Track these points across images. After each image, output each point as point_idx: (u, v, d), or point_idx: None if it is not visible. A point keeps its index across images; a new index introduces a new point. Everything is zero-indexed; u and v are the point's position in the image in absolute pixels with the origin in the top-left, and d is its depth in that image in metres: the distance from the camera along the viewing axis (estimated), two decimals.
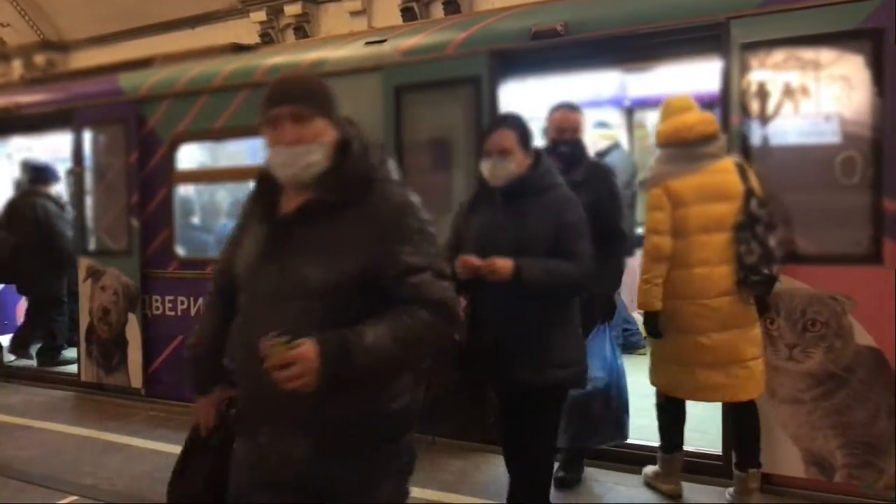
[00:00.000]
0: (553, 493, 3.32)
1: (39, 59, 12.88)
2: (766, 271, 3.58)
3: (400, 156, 5.11)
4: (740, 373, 3.67)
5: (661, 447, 4.09)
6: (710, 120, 3.80)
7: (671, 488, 3.99)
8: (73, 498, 4.25)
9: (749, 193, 3.65)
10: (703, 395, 3.80)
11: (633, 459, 4.42)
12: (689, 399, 3.95)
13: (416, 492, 4.07)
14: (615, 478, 4.24)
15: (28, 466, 4.84)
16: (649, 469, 4.19)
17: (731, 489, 3.90)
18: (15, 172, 7.93)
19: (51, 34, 12.79)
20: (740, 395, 3.73)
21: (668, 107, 3.95)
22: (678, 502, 3.90)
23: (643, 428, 4.86)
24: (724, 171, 3.73)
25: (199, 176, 6.82)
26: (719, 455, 4.18)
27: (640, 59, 4.89)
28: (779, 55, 3.96)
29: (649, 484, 4.12)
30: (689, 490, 4.04)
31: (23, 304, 7.92)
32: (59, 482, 4.49)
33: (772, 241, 3.61)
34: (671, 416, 4.06)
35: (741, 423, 3.87)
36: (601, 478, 4.24)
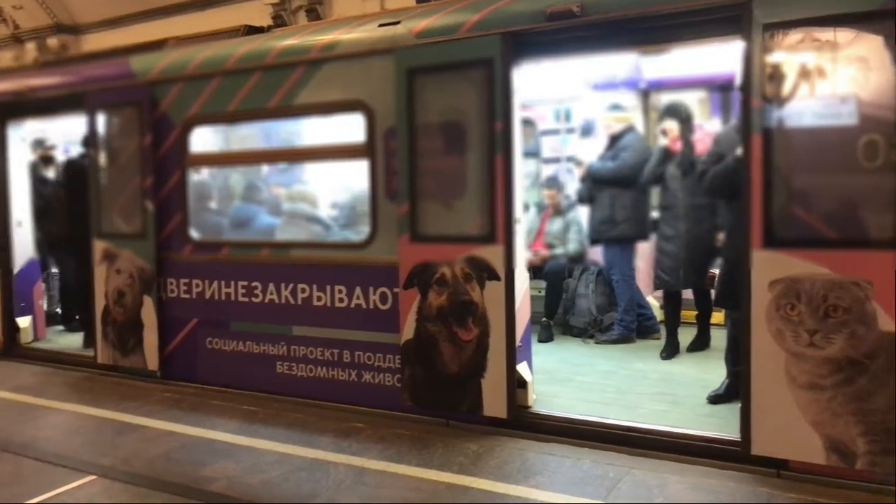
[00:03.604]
0: None
1: (52, 41, 12.91)
2: None
3: (412, 139, 5.09)
4: None
5: None
6: None
7: None
8: (92, 477, 4.29)
9: None
10: None
11: (646, 444, 4.41)
12: None
13: (431, 474, 4.14)
14: (631, 462, 4.22)
15: (47, 446, 4.89)
16: None
17: None
18: (28, 154, 7.95)
19: (64, 17, 12.80)
20: None
21: None
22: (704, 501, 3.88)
23: (660, 413, 4.87)
24: None
25: (213, 159, 6.82)
26: (737, 441, 4.16)
27: (657, 41, 4.80)
28: (802, 36, 3.89)
29: None
30: (706, 475, 4.03)
31: (40, 286, 7.97)
32: (77, 462, 4.54)
33: None
34: None
35: None
36: (618, 462, 4.23)
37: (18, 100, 7.45)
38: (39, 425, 5.37)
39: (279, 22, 10.23)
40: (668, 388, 5.42)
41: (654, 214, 7.03)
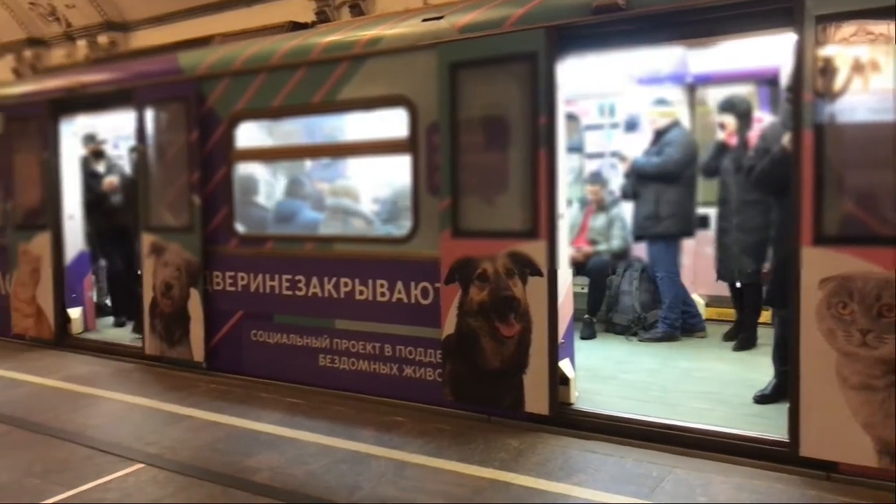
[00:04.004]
0: None
1: (103, 39, 13.18)
2: None
3: (455, 134, 5.08)
4: None
5: None
6: None
7: None
8: (139, 465, 4.39)
9: None
10: None
11: (690, 443, 4.35)
12: None
13: (472, 469, 4.14)
14: (674, 461, 4.17)
15: (97, 434, 5.01)
16: None
17: None
18: (80, 149, 8.14)
19: (113, 15, 13.06)
20: None
21: None
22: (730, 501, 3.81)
23: (704, 412, 4.80)
24: None
25: (258, 154, 6.91)
26: (785, 441, 4.07)
27: (705, 34, 4.70)
28: (855, 28, 3.78)
29: None
30: (752, 476, 3.96)
31: (90, 278, 8.17)
32: (125, 450, 4.64)
33: None
34: None
35: None
36: (661, 461, 4.18)
37: (70, 96, 7.64)
38: (89, 414, 5.50)
39: (323, 18, 10.30)
40: (712, 387, 5.33)
41: (701, 211, 6.94)
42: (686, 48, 6.59)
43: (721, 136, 6.33)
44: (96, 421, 5.36)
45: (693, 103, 7.77)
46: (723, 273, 6.42)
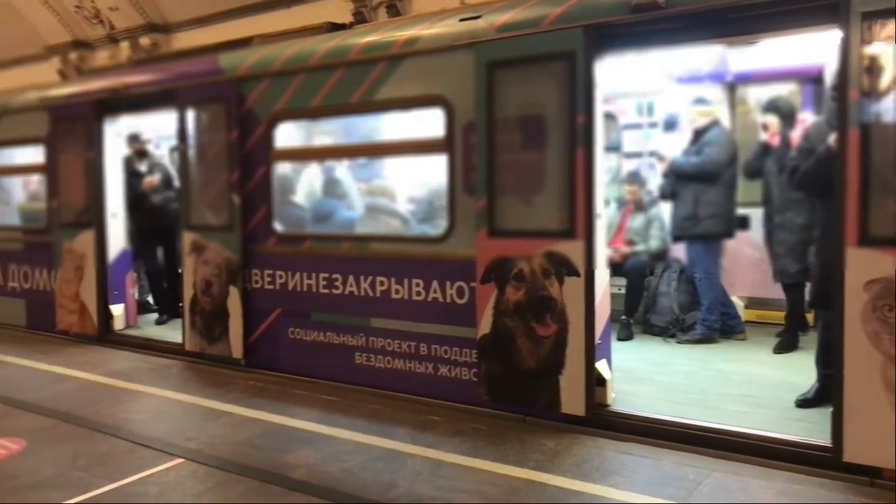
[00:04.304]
0: None
1: (145, 40, 13.40)
2: None
3: (491, 133, 5.08)
4: None
5: None
6: None
7: None
8: (180, 460, 4.46)
9: None
10: None
11: (729, 446, 4.29)
12: None
13: (508, 469, 4.14)
14: (712, 464, 4.12)
15: (138, 429, 5.11)
16: None
17: None
18: (123, 148, 8.29)
19: (155, 17, 13.28)
20: None
21: None
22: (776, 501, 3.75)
23: (744, 415, 4.73)
24: None
25: (296, 154, 6.98)
26: (828, 447, 4.00)
27: (747, 32, 4.62)
28: None
29: None
30: (793, 481, 3.89)
31: (132, 275, 8.32)
32: (166, 445, 4.72)
33: None
34: None
35: None
36: (699, 464, 4.13)
37: (114, 97, 7.79)
38: (130, 409, 5.61)
39: (360, 18, 10.36)
40: (752, 390, 5.25)
41: (742, 211, 6.85)
42: (727, 46, 6.49)
43: (764, 136, 6.30)
44: (138, 416, 5.47)
45: (733, 102, 7.66)
46: (776, 273, 6.36)
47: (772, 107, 6.30)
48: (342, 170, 7.61)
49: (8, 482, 4.21)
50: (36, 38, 14.86)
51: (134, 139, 8.45)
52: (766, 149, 6.30)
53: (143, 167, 8.54)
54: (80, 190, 8.06)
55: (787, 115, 6.19)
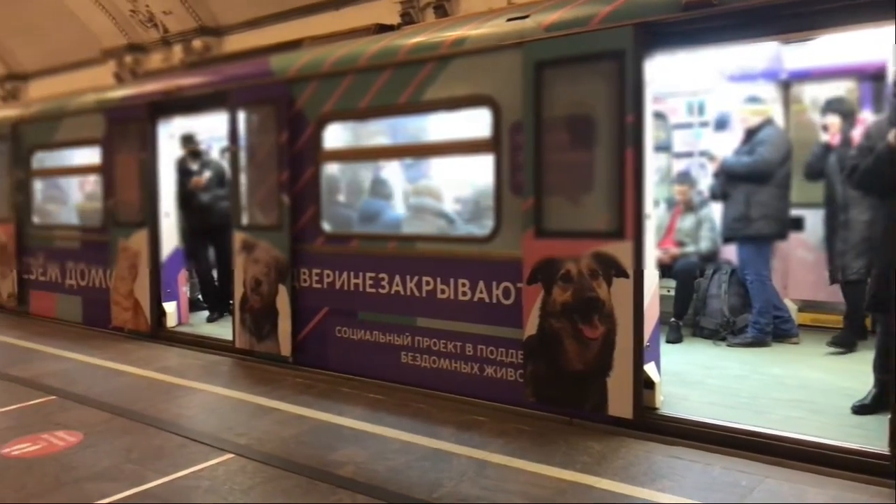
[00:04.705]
0: None
1: (197, 43, 13.66)
2: None
3: (539, 133, 5.05)
4: None
5: None
6: None
7: None
8: (229, 455, 4.54)
9: None
10: None
11: (781, 452, 4.19)
12: None
13: (554, 471, 4.11)
14: (765, 471, 4.03)
15: (189, 424, 5.22)
16: None
17: None
18: (176, 149, 8.46)
19: (207, 20, 13.53)
20: None
21: None
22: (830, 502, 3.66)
23: (797, 420, 4.63)
24: None
25: (344, 155, 7.04)
26: (886, 454, 3.88)
27: (803, 28, 4.50)
28: None
29: None
30: (849, 489, 3.78)
31: (184, 273, 8.50)
32: (216, 440, 4.81)
33: None
34: None
35: None
36: (751, 470, 4.04)
37: (167, 99, 7.97)
38: (182, 404, 5.73)
39: (408, 19, 10.41)
40: (806, 395, 5.13)
41: (795, 212, 6.70)
42: (781, 43, 6.35)
43: (825, 137, 6.20)
44: (189, 411, 5.58)
45: (788, 101, 7.49)
46: (833, 274, 6.22)
47: (832, 107, 6.20)
48: (388, 170, 7.65)
49: (67, 473, 4.33)
50: (93, 42, 15.28)
51: (188, 140, 8.60)
52: (827, 149, 6.21)
53: (194, 166, 8.69)
54: (135, 190, 8.26)
55: (847, 114, 6.07)
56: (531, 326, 5.08)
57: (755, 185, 6.42)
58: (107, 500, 3.94)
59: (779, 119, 7.06)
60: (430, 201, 7.03)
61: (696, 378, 5.66)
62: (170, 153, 8.32)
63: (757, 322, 6.56)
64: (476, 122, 5.60)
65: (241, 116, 7.07)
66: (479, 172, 6.06)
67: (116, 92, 9.22)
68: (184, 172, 8.54)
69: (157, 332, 8.14)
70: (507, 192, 5.32)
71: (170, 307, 8.26)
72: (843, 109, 6.21)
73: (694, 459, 4.25)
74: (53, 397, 5.93)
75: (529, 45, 5.12)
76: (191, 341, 7.80)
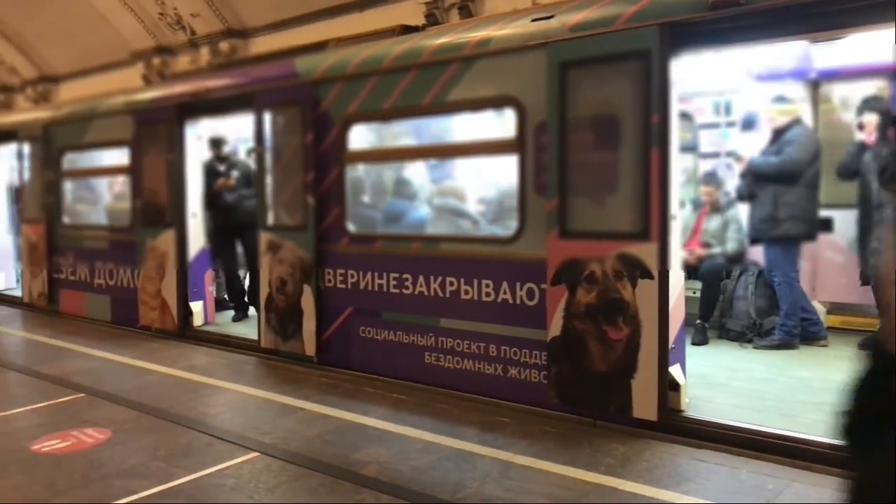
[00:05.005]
0: None
1: (224, 45, 13.79)
2: None
3: (563, 133, 5.04)
4: None
5: None
6: None
7: None
8: (255, 454, 4.58)
9: None
10: None
11: (809, 456, 4.14)
12: None
13: (578, 473, 4.09)
14: (791, 474, 3.98)
15: (215, 422, 5.27)
16: None
17: None
18: (203, 150, 8.54)
19: (234, 22, 13.65)
20: None
21: None
22: None
23: (821, 424, 4.55)
24: None
25: (369, 155, 7.07)
26: None
27: (833, 27, 4.44)
28: None
29: None
30: None
31: (210, 273, 8.58)
32: (241, 438, 4.86)
33: None
34: None
35: None
36: (777, 474, 4.00)
37: (194, 100, 8.05)
38: (209, 402, 5.79)
39: (432, 20, 10.42)
40: (834, 399, 5.04)
41: (824, 213, 6.62)
42: (810, 42, 6.28)
43: (861, 136, 6.17)
44: (215, 409, 5.64)
45: (816, 100, 7.39)
46: (865, 275, 6.16)
47: (870, 105, 6.18)
48: (411, 170, 7.67)
49: (95, 470, 4.40)
50: (122, 45, 15.48)
51: (216, 144, 8.67)
52: (862, 148, 6.17)
53: (221, 167, 8.77)
54: (162, 191, 8.36)
55: (885, 112, 6.03)
56: (555, 328, 5.06)
57: (783, 185, 6.35)
58: (134, 497, 4.00)
59: (807, 119, 6.98)
60: (453, 202, 7.04)
61: (721, 380, 5.61)
62: (197, 154, 8.39)
63: (784, 324, 6.48)
64: (496, 123, 5.60)
65: (267, 118, 7.12)
66: (502, 173, 6.06)
67: (145, 94, 9.34)
68: (211, 173, 8.62)
69: (184, 331, 8.23)
70: (531, 193, 5.31)
71: (196, 306, 8.36)
72: (880, 108, 6.20)
73: (719, 462, 4.21)
74: (82, 395, 6.02)
75: (554, 46, 5.11)
76: (217, 340, 7.88)
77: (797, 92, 7.11)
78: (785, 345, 6.44)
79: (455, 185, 7.25)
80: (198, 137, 8.40)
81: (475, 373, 5.64)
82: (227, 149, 8.85)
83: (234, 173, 8.71)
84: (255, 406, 5.66)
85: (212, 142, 8.61)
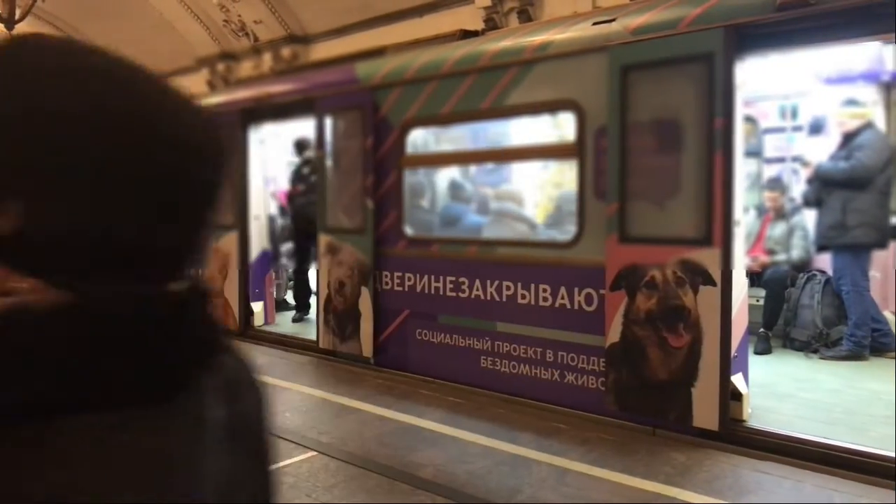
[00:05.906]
0: None
1: (286, 51, 14.04)
2: None
3: (624, 137, 4.99)
4: None
5: None
6: None
7: None
8: (313, 453, 4.64)
9: None
10: None
11: (879, 472, 4.00)
12: None
13: (636, 482, 4.04)
14: (859, 490, 3.85)
15: (275, 421, 5.34)
16: None
17: None
18: (264, 154, 8.70)
19: (296, 28, 13.90)
20: None
21: None
22: None
23: (892, 438, 4.39)
24: None
25: (427, 160, 7.11)
26: None
27: None
28: None
29: None
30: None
31: (271, 275, 8.74)
32: (301, 438, 4.93)
33: None
34: None
35: None
36: (844, 489, 3.87)
37: (258, 105, 8.22)
38: (269, 401, 5.88)
39: (491, 25, 10.43)
40: None
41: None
42: (883, 43, 6.07)
43: None
44: (275, 409, 5.71)
45: (889, 104, 7.14)
46: None
47: None
48: (465, 173, 7.69)
49: None
50: (188, 51, 15.92)
51: (301, 146, 8.80)
52: None
53: (306, 170, 8.85)
54: (226, 193, 8.51)
55: None
56: (614, 334, 5.01)
57: (852, 191, 6.15)
58: None
59: (879, 122, 6.75)
60: (511, 206, 7.04)
61: (786, 391, 5.46)
62: (259, 158, 8.56)
63: (853, 335, 6.28)
64: (548, 126, 5.56)
65: (328, 123, 7.23)
66: (561, 177, 6.03)
67: (210, 99, 9.57)
68: (298, 177, 8.79)
69: (245, 330, 8.38)
70: (590, 197, 5.27)
71: (257, 307, 8.52)
72: None
73: (783, 475, 4.10)
74: None
75: (615, 49, 5.07)
76: (276, 340, 8.02)
77: (869, 95, 6.88)
78: (854, 356, 6.24)
79: (513, 190, 7.24)
80: (260, 142, 8.56)
81: (532, 378, 5.61)
82: (310, 151, 9.00)
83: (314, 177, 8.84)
84: (314, 406, 5.75)
85: (297, 144, 8.77)
